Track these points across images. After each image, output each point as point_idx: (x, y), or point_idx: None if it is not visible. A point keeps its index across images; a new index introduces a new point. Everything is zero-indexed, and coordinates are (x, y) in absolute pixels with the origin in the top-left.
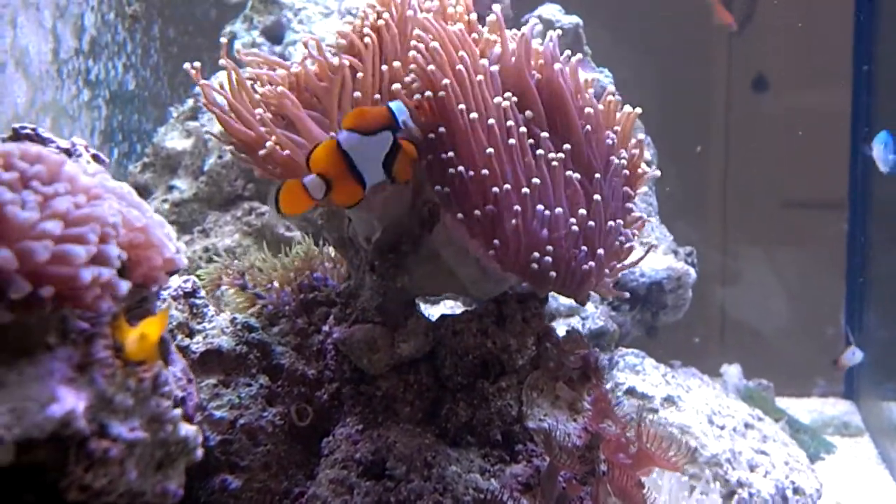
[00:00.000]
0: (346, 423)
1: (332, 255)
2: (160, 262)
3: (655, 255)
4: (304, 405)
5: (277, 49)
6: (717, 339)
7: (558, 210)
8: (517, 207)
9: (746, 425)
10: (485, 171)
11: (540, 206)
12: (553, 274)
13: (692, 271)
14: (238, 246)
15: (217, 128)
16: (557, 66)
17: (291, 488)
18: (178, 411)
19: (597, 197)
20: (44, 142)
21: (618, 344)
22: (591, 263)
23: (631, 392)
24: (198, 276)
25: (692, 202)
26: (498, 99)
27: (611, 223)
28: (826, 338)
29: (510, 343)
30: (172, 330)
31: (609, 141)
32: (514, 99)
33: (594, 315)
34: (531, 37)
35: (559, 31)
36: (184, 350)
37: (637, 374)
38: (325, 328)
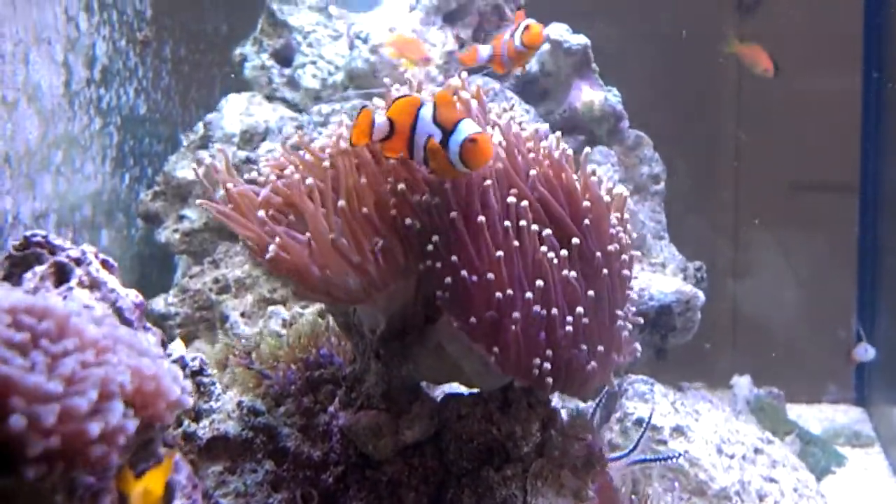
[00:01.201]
0: None
1: (339, 329)
2: (165, 406)
3: (664, 277)
4: (310, 489)
5: (287, 71)
6: (729, 343)
7: (558, 312)
8: (516, 314)
9: (756, 450)
10: (489, 276)
11: (540, 309)
12: (552, 379)
13: (700, 294)
14: (248, 277)
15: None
16: (559, 158)
17: None
18: None
19: (591, 293)
20: (54, 249)
21: (627, 369)
22: (594, 364)
23: (640, 423)
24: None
25: (703, 193)
26: (511, 199)
27: (618, 320)
28: (837, 341)
29: (515, 430)
30: (179, 416)
31: (613, 231)
32: (524, 203)
33: None
34: (540, 136)
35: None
36: (190, 436)
37: (646, 402)
38: (332, 409)
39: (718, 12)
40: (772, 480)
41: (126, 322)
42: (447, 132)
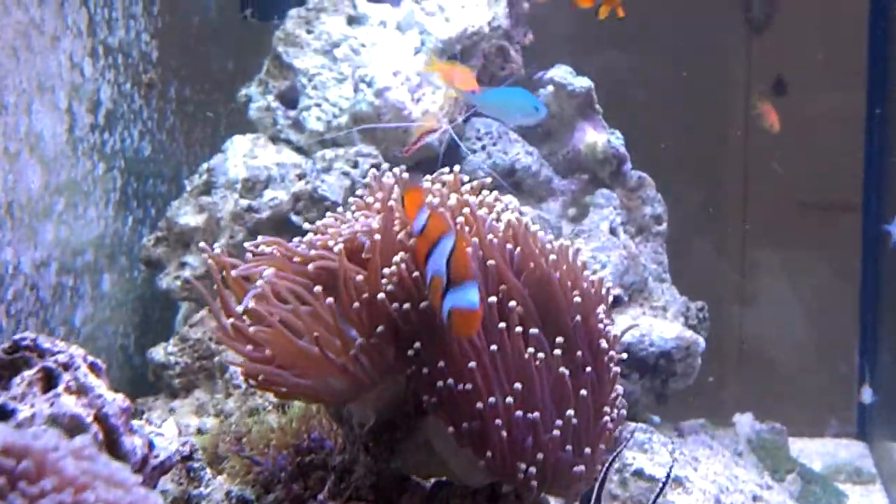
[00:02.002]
0: None
1: (329, 417)
2: None
3: (665, 322)
4: None
5: (292, 113)
6: (734, 375)
7: (544, 414)
8: (498, 422)
9: (755, 498)
10: (475, 383)
11: (525, 414)
12: (537, 483)
13: (701, 340)
14: None
15: (229, 208)
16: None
17: None
18: None
19: (583, 392)
20: (42, 353)
21: (627, 416)
22: (580, 466)
23: (639, 474)
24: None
25: (709, 219)
26: (492, 299)
27: (604, 419)
28: (840, 374)
29: None
30: None
31: (601, 325)
32: (511, 303)
33: None
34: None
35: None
36: None
37: (645, 452)
38: (321, 496)
39: (728, 34)
40: None
41: (112, 428)
42: (451, 282)
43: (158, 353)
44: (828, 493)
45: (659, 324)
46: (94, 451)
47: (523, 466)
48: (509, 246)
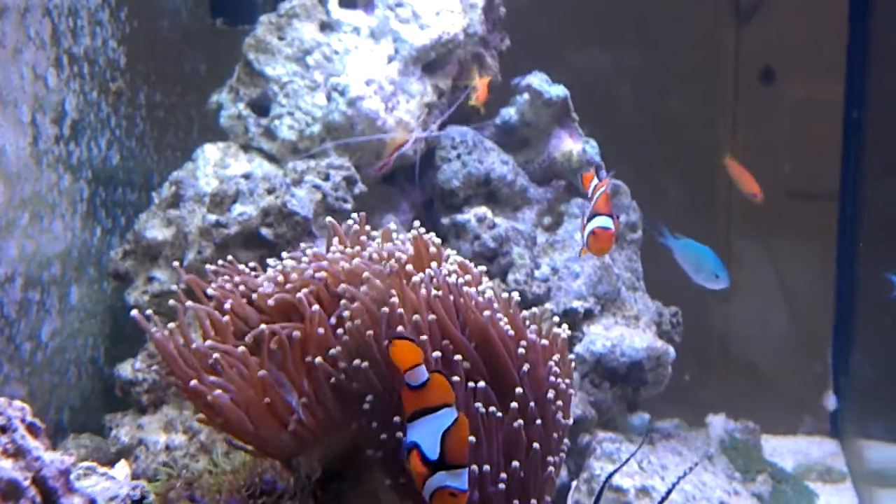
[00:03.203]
0: None
1: (280, 464)
2: None
3: (636, 332)
4: None
5: (264, 122)
6: (710, 373)
7: (488, 468)
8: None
9: None
10: None
11: (473, 468)
12: None
13: (671, 350)
14: None
15: (197, 222)
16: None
17: None
18: None
19: (536, 446)
20: None
21: (598, 423)
22: None
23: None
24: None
25: (693, 212)
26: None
27: (549, 469)
28: (814, 372)
29: None
30: None
31: (551, 378)
32: (457, 357)
33: (572, 405)
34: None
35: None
36: None
37: (613, 462)
38: None
39: (715, 23)
40: None
41: (50, 490)
42: (444, 460)
43: (126, 369)
44: (798, 493)
45: (630, 333)
46: None
47: None
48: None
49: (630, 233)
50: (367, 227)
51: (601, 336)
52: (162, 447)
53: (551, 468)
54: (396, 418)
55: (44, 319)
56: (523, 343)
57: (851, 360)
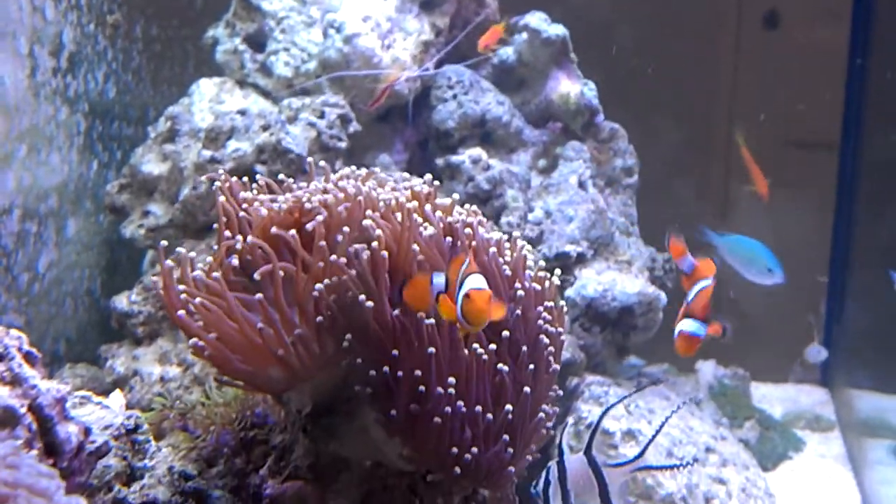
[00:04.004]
0: None
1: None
2: None
3: (628, 277)
4: None
5: (259, 57)
6: (714, 312)
7: (478, 409)
8: (437, 420)
9: (708, 449)
10: (412, 374)
11: (458, 408)
12: (466, 475)
13: (662, 296)
14: None
15: (192, 157)
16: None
17: None
18: None
19: (527, 390)
20: None
21: (588, 366)
22: (510, 459)
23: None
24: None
25: (692, 158)
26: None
27: (540, 415)
28: (806, 322)
29: (437, 502)
30: (110, 481)
31: (540, 322)
32: None
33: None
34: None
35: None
36: (120, 503)
37: (601, 405)
38: (262, 473)
39: None
40: (720, 481)
41: (46, 418)
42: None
43: (121, 301)
44: (785, 439)
45: (623, 278)
46: (18, 458)
47: (455, 452)
48: (449, 240)
49: (626, 177)
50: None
51: (593, 280)
52: (157, 378)
53: (541, 413)
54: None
55: (41, 251)
56: (518, 286)
57: (844, 311)
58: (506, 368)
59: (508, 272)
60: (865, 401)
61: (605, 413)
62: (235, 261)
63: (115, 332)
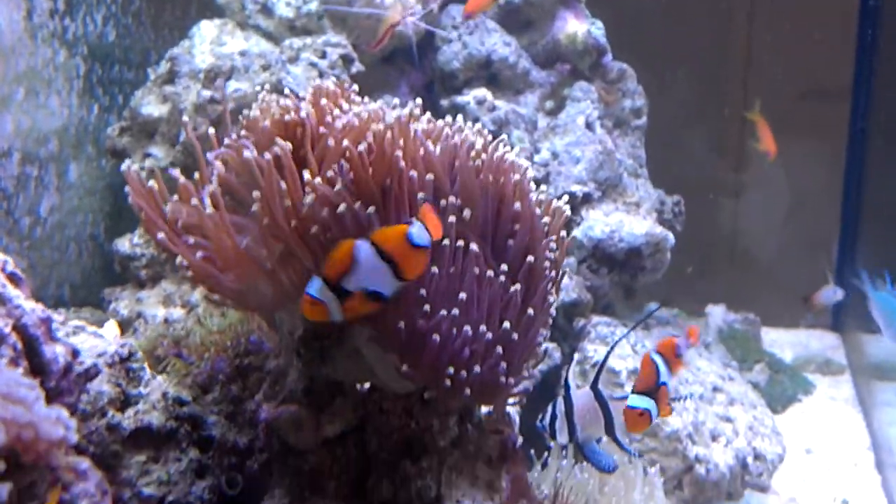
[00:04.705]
0: (273, 495)
1: (265, 322)
2: (46, 447)
3: (636, 218)
4: (235, 474)
5: None
6: (718, 265)
7: (472, 328)
8: (431, 331)
9: (715, 389)
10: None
11: (454, 325)
12: (462, 392)
13: (670, 236)
14: None
15: (192, 98)
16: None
17: None
18: None
19: (531, 311)
20: None
21: (595, 308)
22: (506, 378)
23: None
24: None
25: (706, 107)
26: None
27: (539, 336)
28: (818, 267)
29: (433, 424)
30: (103, 406)
31: (543, 246)
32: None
33: (568, 287)
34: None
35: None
36: (114, 428)
37: (607, 345)
38: (258, 397)
39: None
40: (727, 419)
41: (31, 338)
42: None
43: (124, 244)
44: (795, 382)
45: (630, 220)
46: None
47: (450, 372)
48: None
49: (634, 118)
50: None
51: (600, 221)
52: (161, 321)
53: (540, 337)
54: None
55: (42, 195)
56: (518, 207)
57: (856, 255)
58: (496, 287)
59: (511, 189)
60: (876, 345)
61: (612, 348)
62: (220, 165)
63: (119, 277)
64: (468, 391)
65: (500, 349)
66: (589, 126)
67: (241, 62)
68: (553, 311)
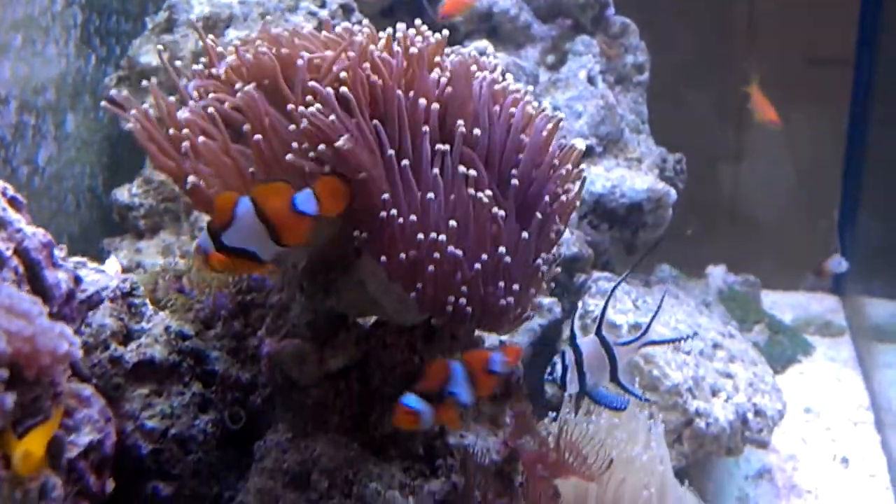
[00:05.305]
0: (276, 429)
1: None
2: (50, 361)
3: (637, 174)
4: (238, 409)
5: None
6: (715, 228)
7: (475, 252)
8: (437, 255)
9: (715, 345)
10: (410, 217)
11: (457, 249)
12: (466, 317)
13: (672, 192)
14: None
15: (190, 47)
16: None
17: (222, 492)
18: None
19: (525, 235)
20: None
21: (595, 264)
22: (509, 301)
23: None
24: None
25: (709, 69)
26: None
27: (538, 261)
28: (819, 230)
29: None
30: (106, 339)
31: (552, 174)
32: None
33: (569, 241)
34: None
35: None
36: (117, 361)
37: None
38: (261, 333)
39: None
40: (727, 375)
41: (32, 262)
42: None
43: (123, 194)
44: (795, 343)
45: (632, 175)
46: None
47: (452, 300)
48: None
49: (637, 74)
50: None
51: (601, 176)
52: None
53: (540, 261)
54: (385, 196)
55: (40, 144)
56: (529, 133)
57: (858, 220)
58: (502, 213)
59: (520, 117)
60: (877, 307)
61: (613, 291)
62: (222, 69)
63: (118, 227)
64: (469, 315)
65: (501, 275)
66: (591, 80)
67: (239, 10)
68: (561, 249)
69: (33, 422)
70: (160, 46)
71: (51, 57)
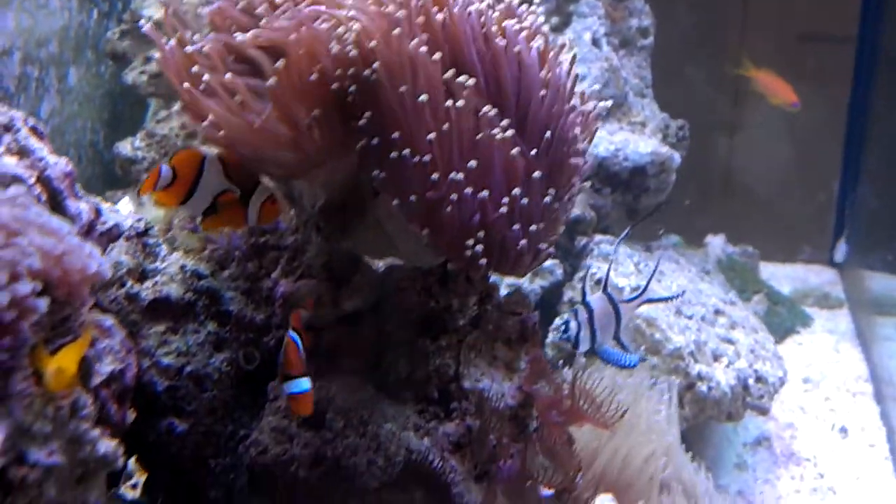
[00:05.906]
0: None
1: (282, 197)
2: (80, 281)
3: (641, 137)
4: (252, 350)
5: None
6: (714, 199)
7: (494, 193)
8: (454, 196)
9: (717, 311)
10: (426, 157)
11: (476, 190)
12: (485, 260)
13: (676, 155)
14: None
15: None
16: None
17: (237, 431)
18: (95, 432)
19: (536, 174)
20: None
21: (597, 228)
22: (525, 243)
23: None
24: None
25: (705, 42)
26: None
27: (554, 203)
28: (817, 203)
29: (452, 303)
30: (122, 276)
31: (572, 117)
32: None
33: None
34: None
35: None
36: (133, 297)
37: (609, 262)
38: (275, 275)
39: None
40: (729, 341)
41: (55, 190)
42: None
43: (125, 147)
44: (793, 314)
45: (635, 139)
46: (29, 200)
47: (470, 243)
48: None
49: (641, 38)
50: None
51: (605, 140)
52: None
53: (557, 204)
54: (396, 134)
55: (43, 97)
56: (549, 76)
57: (857, 193)
58: (515, 153)
59: (536, 56)
60: (876, 280)
61: (617, 246)
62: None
63: (119, 183)
64: (487, 258)
65: (519, 216)
66: (595, 43)
67: None
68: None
69: (63, 341)
70: None
71: (54, 8)
